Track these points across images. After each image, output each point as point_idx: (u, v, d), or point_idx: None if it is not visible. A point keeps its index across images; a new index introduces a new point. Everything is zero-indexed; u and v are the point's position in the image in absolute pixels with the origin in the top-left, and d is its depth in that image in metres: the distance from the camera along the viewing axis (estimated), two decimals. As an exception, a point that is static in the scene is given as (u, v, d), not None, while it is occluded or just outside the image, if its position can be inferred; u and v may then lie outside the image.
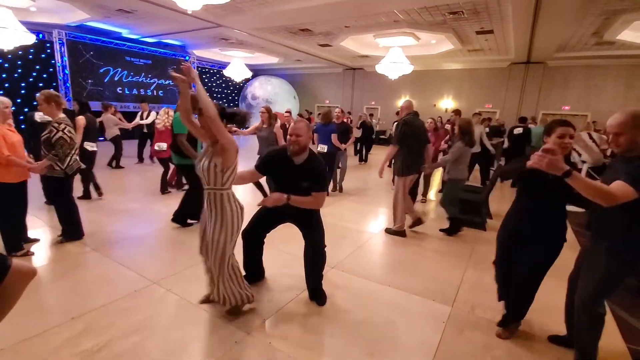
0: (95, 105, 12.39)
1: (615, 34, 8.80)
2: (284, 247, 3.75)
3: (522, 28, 8.65)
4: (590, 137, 6.01)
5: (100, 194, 5.53)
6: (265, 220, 2.83)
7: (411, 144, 4.23)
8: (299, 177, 2.56)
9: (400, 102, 16.00)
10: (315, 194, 2.56)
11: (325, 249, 2.81)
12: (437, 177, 8.31)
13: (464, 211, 4.95)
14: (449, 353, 2.31)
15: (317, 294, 2.84)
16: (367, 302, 2.91)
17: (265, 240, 2.96)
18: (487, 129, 8.59)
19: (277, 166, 2.68)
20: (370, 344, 2.36)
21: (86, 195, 5.43)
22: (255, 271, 3.06)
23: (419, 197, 6.13)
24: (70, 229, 3.79)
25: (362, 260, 3.77)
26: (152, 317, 2.54)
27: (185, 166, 4.35)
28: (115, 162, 8.08)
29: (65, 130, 3.44)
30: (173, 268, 3.32)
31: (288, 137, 2.56)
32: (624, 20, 7.78)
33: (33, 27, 10.24)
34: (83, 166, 4.12)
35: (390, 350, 2.31)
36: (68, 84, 11.82)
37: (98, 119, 6.26)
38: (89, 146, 5.36)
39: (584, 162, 5.86)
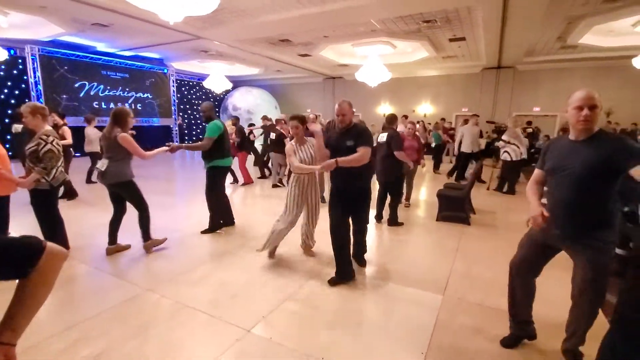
0: (71, 121, 12.19)
1: (577, 38, 9.36)
2: (280, 249, 3.80)
3: (491, 34, 9.09)
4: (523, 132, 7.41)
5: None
6: (341, 208, 3.20)
7: None
8: (346, 138, 3.02)
9: (380, 109, 16.44)
10: (360, 148, 2.93)
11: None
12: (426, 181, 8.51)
13: (449, 208, 5.12)
14: (443, 336, 2.40)
15: (359, 259, 3.54)
16: (362, 296, 2.98)
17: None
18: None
19: (331, 134, 3.29)
20: (368, 334, 2.42)
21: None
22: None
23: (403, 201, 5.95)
24: (56, 243, 3.67)
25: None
26: (148, 322, 2.52)
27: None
28: None
29: (54, 143, 3.38)
30: (165, 275, 3.30)
31: (336, 117, 3.09)
32: (585, 24, 8.31)
33: (4, 43, 10.02)
34: (68, 178, 4.05)
35: (388, 337, 2.38)
36: (41, 100, 11.50)
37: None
38: None
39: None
